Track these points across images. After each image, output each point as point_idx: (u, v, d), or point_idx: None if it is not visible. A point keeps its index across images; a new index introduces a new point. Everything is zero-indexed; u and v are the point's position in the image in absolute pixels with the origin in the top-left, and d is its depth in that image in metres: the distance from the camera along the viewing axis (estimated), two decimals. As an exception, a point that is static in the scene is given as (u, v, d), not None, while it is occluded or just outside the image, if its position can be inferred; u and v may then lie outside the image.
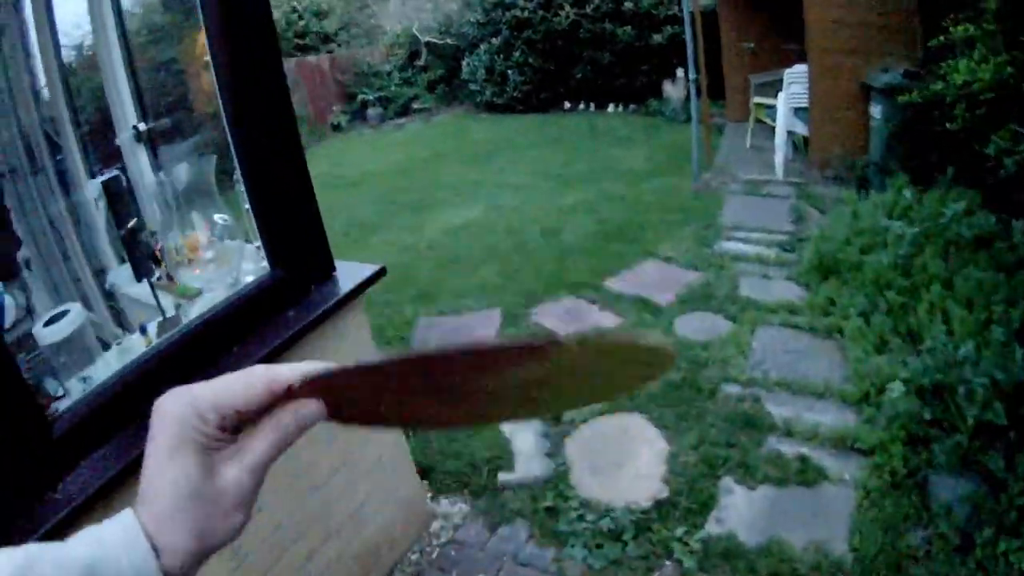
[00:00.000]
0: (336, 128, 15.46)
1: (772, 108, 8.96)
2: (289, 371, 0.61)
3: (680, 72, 12.32)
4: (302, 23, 16.93)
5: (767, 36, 10.25)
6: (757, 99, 9.35)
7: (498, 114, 14.62)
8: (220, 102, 2.40)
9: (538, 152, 11.40)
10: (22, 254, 3.63)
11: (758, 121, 9.52)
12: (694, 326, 5.20)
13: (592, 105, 14.03)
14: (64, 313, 2.51)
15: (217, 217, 2.89)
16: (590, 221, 7.72)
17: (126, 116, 3.51)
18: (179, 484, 0.56)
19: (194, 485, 0.57)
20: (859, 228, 5.56)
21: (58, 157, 3.65)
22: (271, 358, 2.50)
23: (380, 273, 2.90)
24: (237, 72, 2.32)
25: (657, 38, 12.62)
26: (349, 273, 2.90)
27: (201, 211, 3.12)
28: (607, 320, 5.48)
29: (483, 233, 7.78)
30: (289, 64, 14.86)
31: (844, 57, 7.26)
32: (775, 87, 9.12)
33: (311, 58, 15.86)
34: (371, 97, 15.82)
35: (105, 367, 2.43)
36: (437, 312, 5.96)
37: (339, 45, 17.35)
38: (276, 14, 16.15)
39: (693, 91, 8.50)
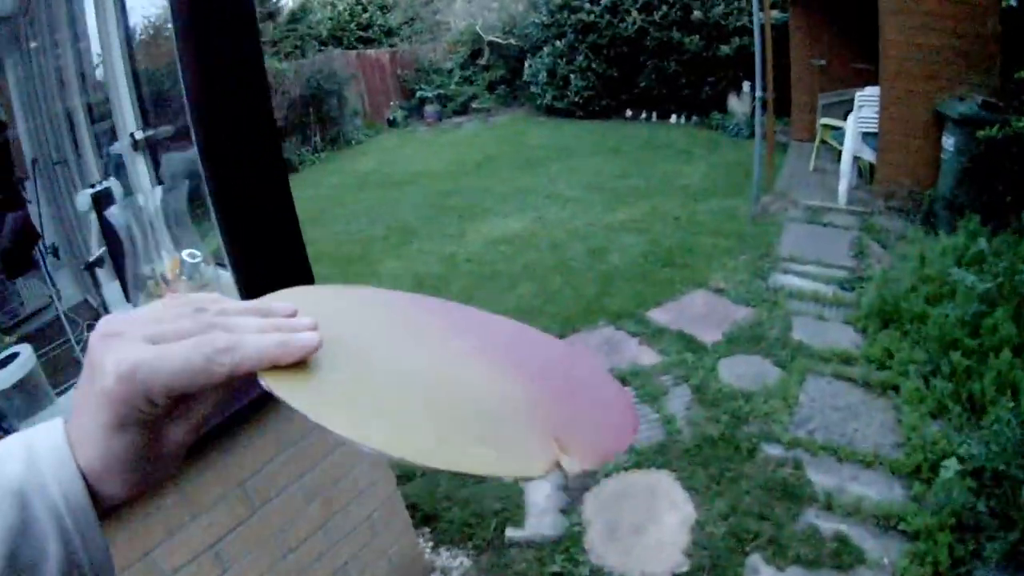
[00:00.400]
0: (392, 123, 15.31)
1: (839, 130, 8.53)
2: (255, 361, 0.55)
3: (746, 86, 11.99)
4: (366, 15, 16.80)
5: (838, 53, 9.82)
6: (825, 120, 8.90)
7: (557, 118, 14.38)
8: (189, 118, 2.08)
9: (594, 161, 11.10)
10: (51, 241, 3.54)
11: (823, 142, 9.08)
12: (739, 371, 4.82)
13: (654, 115, 13.75)
14: (14, 356, 2.25)
15: (186, 254, 2.56)
16: (640, 241, 7.37)
17: (125, 122, 3.27)
18: (124, 455, 0.55)
19: (139, 453, 0.56)
20: (925, 274, 5.13)
21: (78, 151, 3.56)
22: (238, 419, 2.25)
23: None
24: (207, 78, 2.00)
25: (725, 49, 12.25)
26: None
27: (173, 241, 2.83)
28: (645, 356, 5.12)
29: (526, 248, 7.47)
30: (350, 57, 14.76)
31: (918, 83, 6.79)
32: (843, 108, 8.70)
33: (371, 52, 15.70)
34: (430, 94, 15.65)
35: (60, 414, 2.17)
36: (466, 334, 5.66)
37: (402, 40, 17.18)
38: (340, 5, 16.14)
39: (759, 108, 8.08)
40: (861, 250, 6.56)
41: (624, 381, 4.78)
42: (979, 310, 4.43)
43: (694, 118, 13.25)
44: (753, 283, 6.09)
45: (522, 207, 8.94)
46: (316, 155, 12.93)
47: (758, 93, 7.96)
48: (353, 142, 13.84)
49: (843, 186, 7.73)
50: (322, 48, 15.32)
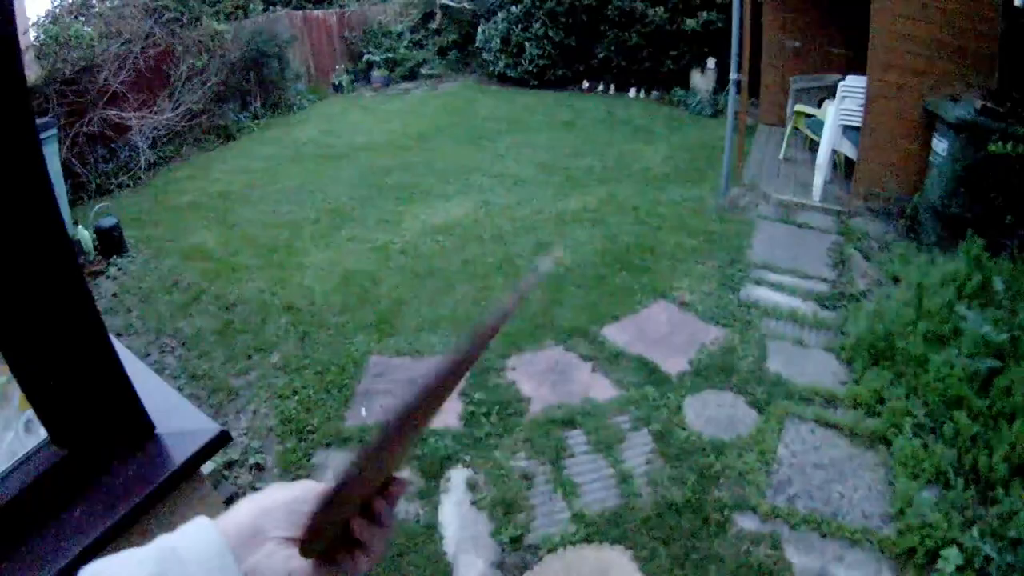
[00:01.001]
0: (337, 88, 14.45)
1: (813, 118, 7.92)
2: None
3: (711, 62, 11.43)
4: (316, -26, 15.82)
5: (814, 36, 9.18)
6: (799, 107, 8.24)
7: (509, 87, 13.74)
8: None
9: (546, 137, 10.38)
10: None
11: (795, 129, 8.45)
12: (709, 413, 4.14)
13: (612, 87, 13.17)
14: None
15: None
16: (594, 236, 6.67)
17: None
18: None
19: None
20: (924, 308, 4.48)
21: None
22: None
23: (220, 439, 1.76)
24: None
25: (691, 23, 11.54)
26: (179, 435, 1.75)
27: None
28: (600, 388, 4.42)
29: (467, 239, 6.72)
30: (294, 17, 13.87)
31: (909, 77, 6.13)
32: (818, 93, 8.14)
33: (319, 12, 14.72)
34: (378, 58, 14.82)
35: None
36: (393, 351, 4.91)
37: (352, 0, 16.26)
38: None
39: (732, 91, 7.34)
40: (842, 259, 5.93)
41: (573, 424, 4.09)
42: (991, 366, 3.78)
43: (654, 92, 12.63)
44: (723, 297, 5.44)
45: (466, 188, 8.19)
46: (255, 122, 12.02)
47: (732, 75, 7.24)
48: (295, 108, 12.94)
49: (819, 181, 7.11)
50: (268, 7, 14.31)
